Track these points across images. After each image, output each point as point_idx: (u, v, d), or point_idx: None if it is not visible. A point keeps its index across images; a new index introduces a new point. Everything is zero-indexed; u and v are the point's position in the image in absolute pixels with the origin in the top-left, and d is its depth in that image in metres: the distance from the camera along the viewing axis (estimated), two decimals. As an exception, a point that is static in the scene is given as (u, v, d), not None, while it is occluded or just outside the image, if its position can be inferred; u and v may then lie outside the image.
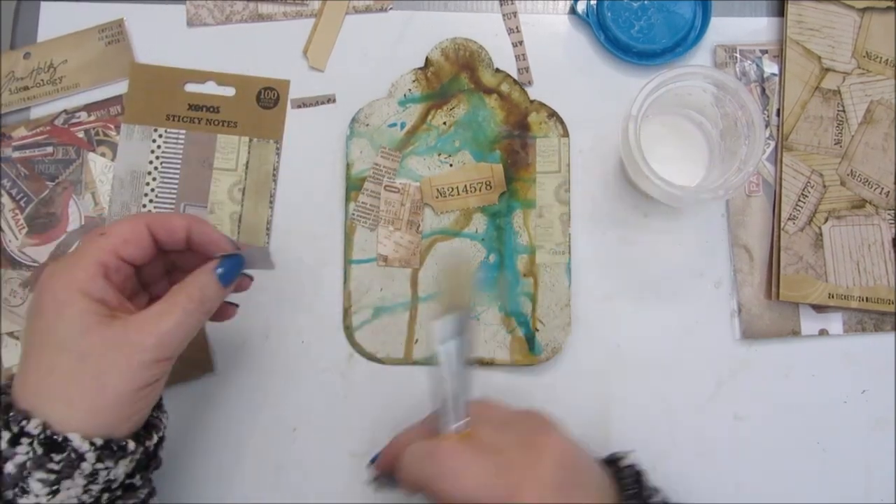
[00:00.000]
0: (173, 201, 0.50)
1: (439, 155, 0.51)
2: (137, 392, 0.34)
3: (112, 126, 0.51)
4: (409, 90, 0.51)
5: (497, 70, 0.52)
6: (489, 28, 0.53)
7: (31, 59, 0.52)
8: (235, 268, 0.38)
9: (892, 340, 0.50)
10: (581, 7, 0.52)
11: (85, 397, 0.33)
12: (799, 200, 0.50)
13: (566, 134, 0.51)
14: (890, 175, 0.50)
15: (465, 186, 0.50)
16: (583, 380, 0.49)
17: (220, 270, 0.37)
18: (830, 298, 0.49)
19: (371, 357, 0.49)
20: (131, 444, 0.34)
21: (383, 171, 0.50)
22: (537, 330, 0.49)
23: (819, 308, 0.50)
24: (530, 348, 0.49)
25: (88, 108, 0.52)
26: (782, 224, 0.50)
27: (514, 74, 0.52)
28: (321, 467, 0.48)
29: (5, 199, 0.50)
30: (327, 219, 0.51)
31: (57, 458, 0.32)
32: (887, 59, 0.51)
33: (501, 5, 0.53)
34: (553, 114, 0.51)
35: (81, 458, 0.32)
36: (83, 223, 0.50)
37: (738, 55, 0.52)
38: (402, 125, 0.51)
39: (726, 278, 0.50)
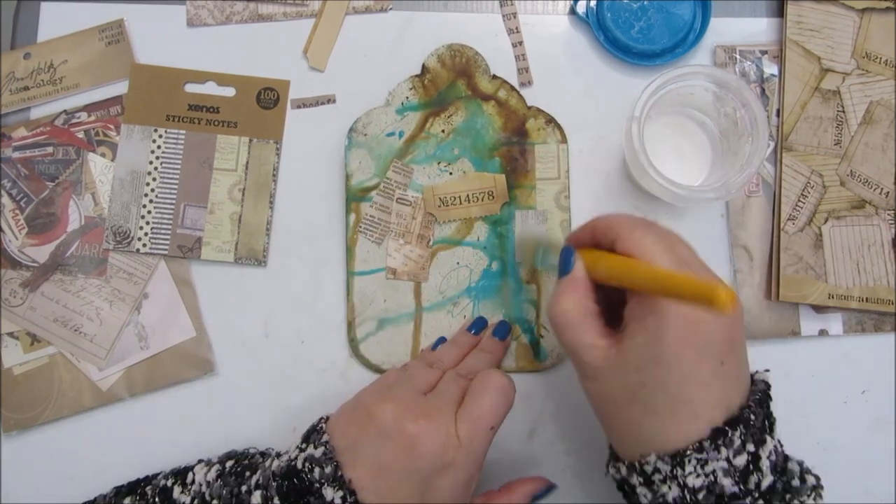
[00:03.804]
0: (173, 201, 0.50)
1: (439, 163, 0.51)
2: None
3: (112, 126, 0.51)
4: (407, 98, 0.51)
5: (494, 76, 0.51)
6: (489, 28, 0.53)
7: (31, 60, 0.52)
8: (544, 496, 0.44)
9: (892, 340, 0.50)
10: (581, 8, 0.52)
11: None
12: (799, 201, 0.50)
13: (564, 140, 0.51)
14: (889, 175, 0.50)
15: (468, 196, 0.50)
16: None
17: (536, 496, 0.43)
18: (830, 299, 0.49)
19: (377, 369, 0.49)
20: None
21: (394, 185, 0.50)
22: (542, 336, 0.49)
23: (819, 308, 0.50)
24: (535, 354, 0.49)
25: (88, 108, 0.52)
26: (782, 224, 0.50)
27: (514, 75, 0.52)
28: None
29: (5, 200, 0.50)
30: (327, 219, 0.51)
31: None
32: (887, 60, 0.51)
33: (501, 6, 0.53)
34: (551, 120, 0.51)
35: None
36: (83, 223, 0.50)
37: (737, 56, 0.52)
38: (401, 134, 0.51)
39: (726, 278, 0.50)
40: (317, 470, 0.37)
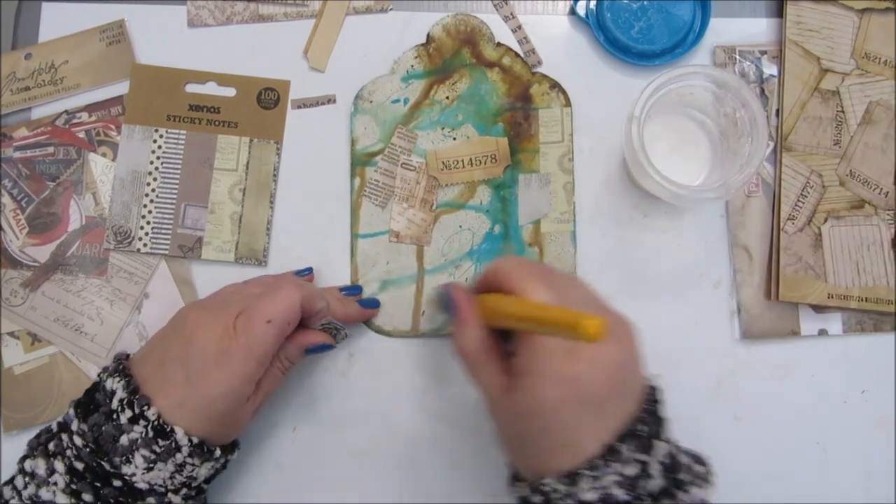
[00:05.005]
0: (174, 202, 0.51)
1: (443, 129, 0.51)
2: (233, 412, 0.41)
3: (113, 126, 0.51)
4: (412, 66, 0.52)
5: (498, 44, 0.52)
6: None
7: (32, 60, 0.52)
8: (323, 350, 0.46)
9: (892, 340, 0.50)
10: (581, 8, 0.52)
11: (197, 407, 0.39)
12: (798, 201, 0.50)
13: (568, 104, 0.51)
14: (889, 175, 0.50)
15: (471, 159, 0.51)
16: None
17: (309, 349, 0.45)
18: (830, 298, 0.49)
19: (379, 330, 0.50)
20: (218, 451, 0.41)
21: (399, 150, 0.51)
22: None
23: (818, 308, 0.50)
24: None
25: (89, 108, 0.52)
26: (782, 224, 0.50)
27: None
28: (321, 467, 0.48)
29: (6, 199, 0.50)
30: (327, 219, 0.51)
31: (161, 443, 0.38)
32: (886, 60, 0.51)
33: (501, 7, 0.53)
34: (555, 85, 0.51)
35: (178, 449, 0.38)
36: (84, 223, 0.50)
37: (737, 56, 0.52)
38: (406, 101, 0.51)
39: (726, 278, 0.51)
40: (105, 374, 0.41)
